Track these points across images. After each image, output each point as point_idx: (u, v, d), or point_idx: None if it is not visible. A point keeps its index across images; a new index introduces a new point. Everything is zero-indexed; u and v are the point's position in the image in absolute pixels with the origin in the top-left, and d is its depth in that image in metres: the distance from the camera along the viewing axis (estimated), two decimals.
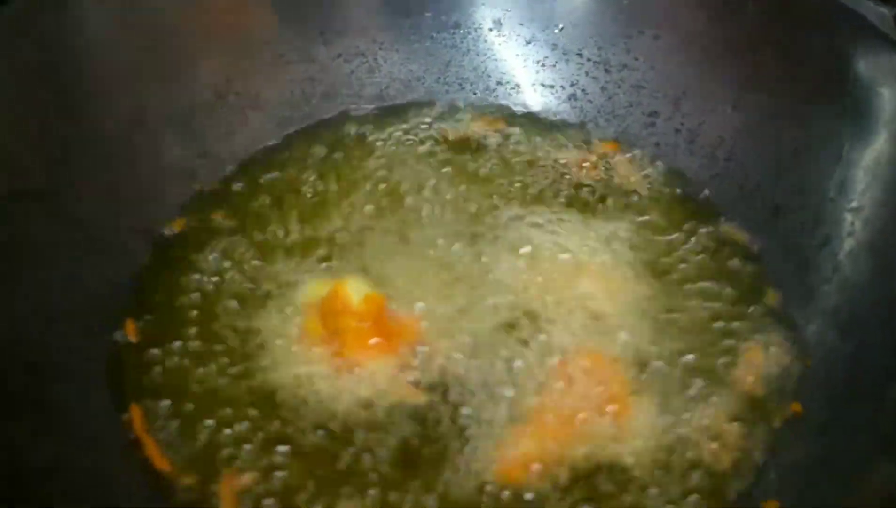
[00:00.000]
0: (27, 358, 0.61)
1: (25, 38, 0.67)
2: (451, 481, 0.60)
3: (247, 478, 0.60)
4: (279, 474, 0.60)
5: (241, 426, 0.62)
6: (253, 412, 0.63)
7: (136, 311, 0.68)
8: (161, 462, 0.61)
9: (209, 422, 0.62)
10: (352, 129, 0.83)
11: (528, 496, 0.59)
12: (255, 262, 0.72)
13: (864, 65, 0.70)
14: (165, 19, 0.76)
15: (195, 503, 0.59)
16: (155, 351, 0.66)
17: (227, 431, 0.62)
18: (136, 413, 0.63)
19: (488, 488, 0.59)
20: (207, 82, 0.80)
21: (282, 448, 0.61)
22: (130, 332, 0.67)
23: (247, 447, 0.61)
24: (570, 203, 0.76)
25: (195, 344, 0.67)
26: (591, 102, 0.84)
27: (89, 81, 0.72)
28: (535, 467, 0.60)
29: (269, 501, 0.59)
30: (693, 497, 0.60)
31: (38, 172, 0.67)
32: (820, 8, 0.72)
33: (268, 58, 0.82)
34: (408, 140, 0.82)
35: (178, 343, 0.67)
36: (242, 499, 0.59)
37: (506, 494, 0.59)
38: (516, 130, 0.83)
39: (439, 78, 0.86)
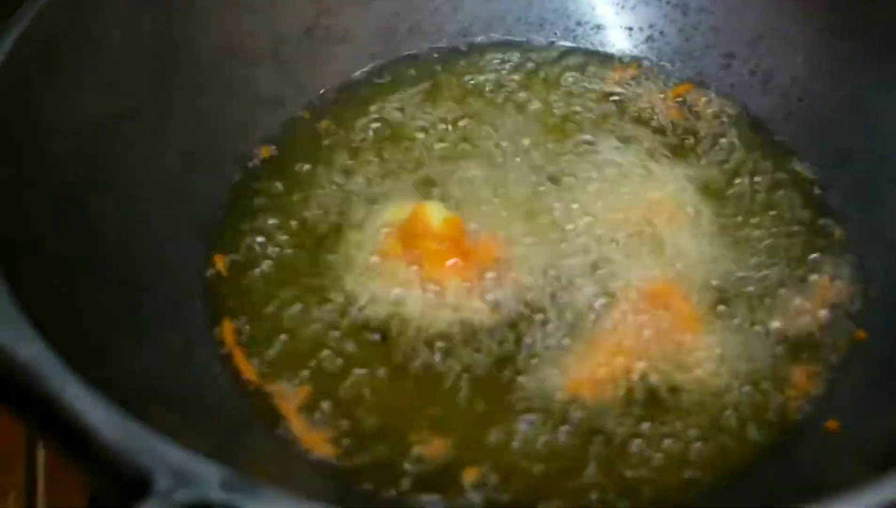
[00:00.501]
0: (125, 272, 0.64)
1: None
2: (521, 395, 0.63)
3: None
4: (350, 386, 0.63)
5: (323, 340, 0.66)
6: (334, 331, 0.66)
7: (227, 234, 0.72)
8: (249, 373, 0.64)
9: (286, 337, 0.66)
10: (436, 65, 0.85)
11: (594, 409, 0.62)
12: (337, 187, 0.75)
13: None
14: None
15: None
16: (245, 272, 0.70)
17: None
18: (227, 328, 0.66)
19: (557, 398, 0.62)
20: (297, 16, 0.82)
21: (358, 371, 0.64)
22: (219, 261, 0.70)
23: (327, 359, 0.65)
24: (646, 142, 0.78)
25: (283, 262, 0.70)
26: (668, 43, 0.85)
27: (189, 7, 0.75)
28: (601, 385, 0.63)
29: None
30: (753, 419, 0.62)
31: (142, 92, 0.71)
32: None
33: None
34: (488, 78, 0.84)
35: (265, 265, 0.70)
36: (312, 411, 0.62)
37: (573, 407, 0.62)
38: (593, 69, 0.85)
39: (520, 18, 0.88)
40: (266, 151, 0.78)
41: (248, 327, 0.66)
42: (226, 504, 0.41)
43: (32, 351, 0.45)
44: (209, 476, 0.42)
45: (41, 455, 0.70)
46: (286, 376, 0.64)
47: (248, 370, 0.64)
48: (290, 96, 0.81)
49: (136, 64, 0.71)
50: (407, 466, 0.59)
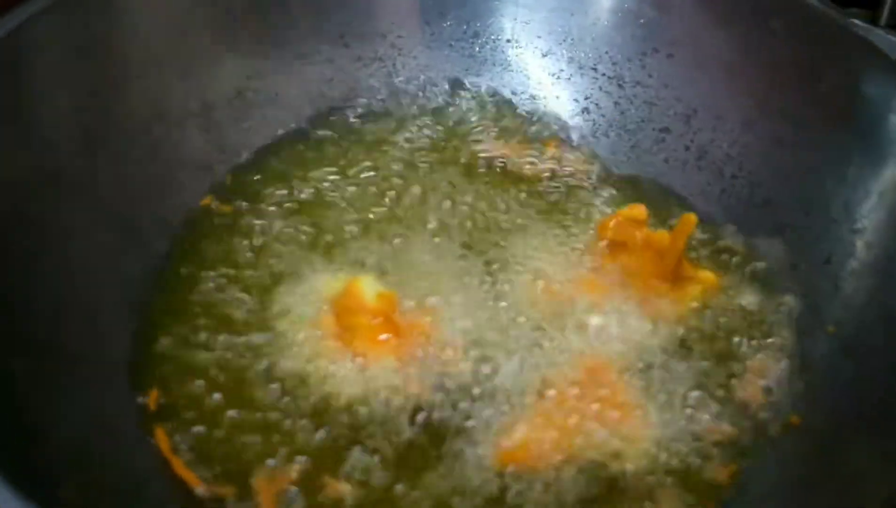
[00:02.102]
0: (48, 340, 0.62)
1: (70, 24, 0.69)
2: (452, 466, 0.62)
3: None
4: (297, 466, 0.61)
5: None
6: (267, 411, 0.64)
7: (154, 302, 0.70)
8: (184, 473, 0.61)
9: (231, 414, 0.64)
10: (367, 131, 0.84)
11: (519, 482, 0.61)
12: (269, 256, 0.73)
13: (875, 92, 0.71)
14: (191, 16, 0.78)
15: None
16: (169, 341, 0.67)
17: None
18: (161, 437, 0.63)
19: (485, 472, 0.61)
20: (228, 79, 0.81)
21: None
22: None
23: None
24: (571, 212, 0.78)
25: (209, 335, 0.68)
26: (603, 115, 0.85)
27: (119, 72, 0.73)
28: (532, 457, 0.62)
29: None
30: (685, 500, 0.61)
31: (69, 157, 0.69)
32: (833, 36, 0.74)
33: (288, 58, 0.83)
34: (421, 146, 0.83)
35: (195, 335, 0.68)
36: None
37: (500, 478, 0.61)
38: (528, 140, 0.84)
39: (455, 85, 0.87)
40: (194, 215, 0.76)
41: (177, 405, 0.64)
42: None
43: None
44: None
45: None
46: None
47: (188, 475, 0.61)
48: (218, 160, 0.79)
49: (63, 125, 0.69)
50: None
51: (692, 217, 0.71)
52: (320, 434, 0.62)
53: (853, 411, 0.63)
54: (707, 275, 0.73)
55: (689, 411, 0.66)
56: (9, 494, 0.44)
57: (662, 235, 0.73)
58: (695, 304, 0.72)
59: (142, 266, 0.71)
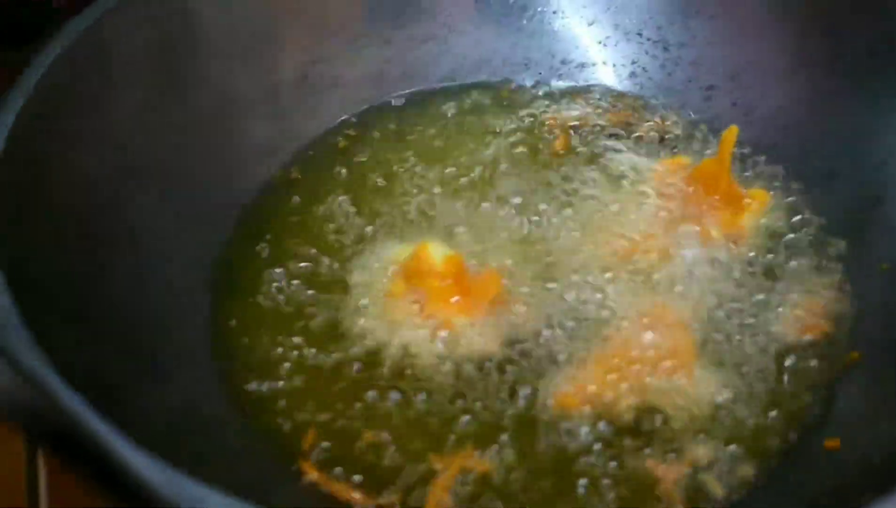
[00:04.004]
0: (136, 321, 0.66)
1: (140, 21, 0.73)
2: (514, 412, 0.65)
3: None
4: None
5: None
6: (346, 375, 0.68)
7: (232, 281, 0.74)
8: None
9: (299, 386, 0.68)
10: (427, 108, 0.88)
11: (579, 426, 0.64)
12: (337, 230, 0.77)
13: None
14: (253, 6, 0.82)
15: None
16: (253, 319, 0.71)
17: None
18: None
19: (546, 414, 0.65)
20: (291, 66, 0.85)
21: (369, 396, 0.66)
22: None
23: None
24: (633, 176, 0.81)
25: (288, 309, 0.72)
26: (651, 79, 0.88)
27: (188, 64, 0.77)
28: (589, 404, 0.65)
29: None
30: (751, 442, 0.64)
31: (144, 147, 0.73)
32: None
33: (346, 42, 0.87)
34: (477, 117, 0.87)
35: (273, 309, 0.72)
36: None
37: (561, 422, 0.64)
38: (580, 105, 0.87)
39: (506, 59, 0.91)
40: (263, 198, 0.80)
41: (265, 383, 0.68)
42: None
43: (74, 404, 0.47)
44: None
45: (42, 476, 0.70)
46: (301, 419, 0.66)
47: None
48: (285, 143, 0.83)
49: (138, 120, 0.73)
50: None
51: (734, 128, 0.74)
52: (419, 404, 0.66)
53: None
54: (759, 193, 0.76)
55: (750, 352, 0.68)
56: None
57: (707, 161, 0.77)
58: (755, 224, 0.75)
59: (215, 246, 0.76)
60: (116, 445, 0.45)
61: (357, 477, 0.62)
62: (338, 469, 0.63)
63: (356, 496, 0.61)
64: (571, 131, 0.84)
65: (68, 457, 0.46)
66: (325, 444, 0.64)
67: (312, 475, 0.62)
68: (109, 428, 0.46)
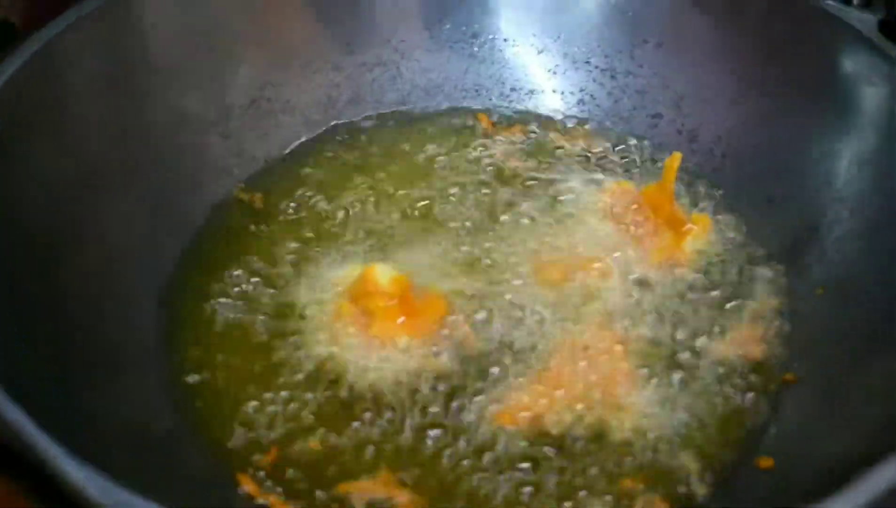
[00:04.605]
0: (91, 331, 0.67)
1: (97, 39, 0.74)
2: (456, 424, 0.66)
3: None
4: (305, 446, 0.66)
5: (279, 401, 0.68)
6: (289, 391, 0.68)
7: (185, 296, 0.75)
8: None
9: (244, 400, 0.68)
10: (373, 134, 0.89)
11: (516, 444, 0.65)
12: (286, 251, 0.78)
13: (850, 67, 0.76)
14: (207, 29, 0.83)
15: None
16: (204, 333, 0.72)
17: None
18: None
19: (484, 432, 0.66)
20: (243, 88, 0.86)
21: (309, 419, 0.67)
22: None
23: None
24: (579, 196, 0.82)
25: (236, 326, 0.73)
26: (598, 106, 0.90)
27: (144, 82, 0.79)
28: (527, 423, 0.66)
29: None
30: (688, 458, 0.65)
31: (102, 162, 0.74)
32: (809, 16, 0.79)
33: (297, 66, 0.88)
34: (427, 144, 0.88)
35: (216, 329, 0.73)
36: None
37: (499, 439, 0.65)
38: (527, 131, 0.89)
39: (457, 85, 0.92)
40: (214, 218, 0.81)
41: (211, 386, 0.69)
42: None
43: (15, 416, 0.47)
44: None
45: None
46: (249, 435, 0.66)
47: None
48: (237, 163, 0.85)
49: (93, 137, 0.74)
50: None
51: (677, 154, 0.77)
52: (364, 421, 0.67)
53: (843, 361, 0.67)
54: (701, 218, 0.78)
55: (690, 374, 0.70)
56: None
57: (651, 186, 0.79)
58: (696, 248, 0.77)
59: (168, 262, 0.76)
60: (51, 454, 0.45)
61: (294, 489, 0.63)
62: (269, 483, 0.63)
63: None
64: (518, 157, 0.86)
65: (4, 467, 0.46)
66: (267, 459, 0.65)
67: (249, 487, 0.63)
68: (46, 437, 0.46)
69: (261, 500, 0.62)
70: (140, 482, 0.46)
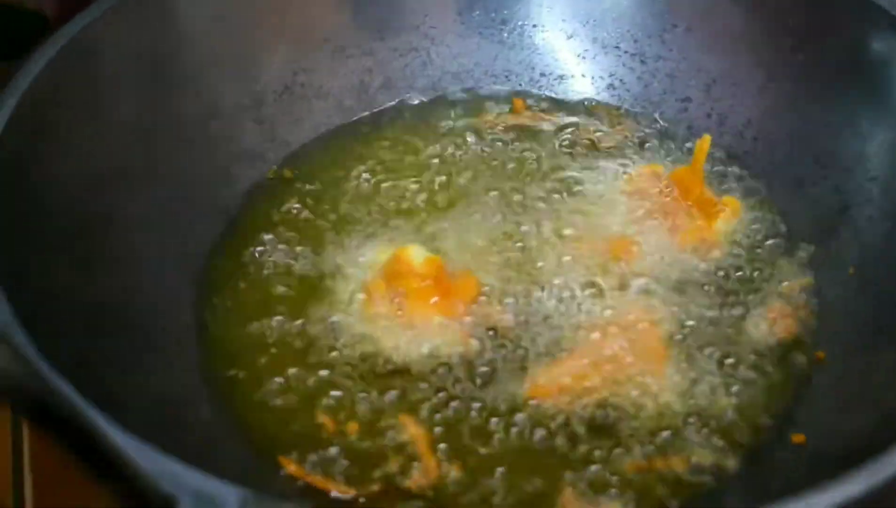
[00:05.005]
0: (126, 315, 0.68)
1: (128, 29, 0.75)
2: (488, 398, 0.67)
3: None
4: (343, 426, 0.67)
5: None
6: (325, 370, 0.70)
7: (218, 280, 0.76)
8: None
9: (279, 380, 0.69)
10: (407, 118, 0.90)
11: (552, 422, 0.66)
12: (322, 231, 0.79)
13: (879, 47, 0.76)
14: (240, 17, 0.84)
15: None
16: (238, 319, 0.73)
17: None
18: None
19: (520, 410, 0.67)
20: (276, 75, 0.87)
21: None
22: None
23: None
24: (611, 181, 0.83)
25: (271, 307, 0.74)
26: (628, 90, 0.90)
27: (176, 71, 0.80)
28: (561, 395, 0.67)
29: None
30: (720, 434, 0.66)
31: (135, 151, 0.75)
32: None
33: (329, 52, 0.89)
34: (458, 128, 0.89)
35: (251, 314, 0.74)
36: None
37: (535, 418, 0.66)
38: (561, 116, 0.90)
39: (487, 70, 0.93)
40: (249, 204, 0.82)
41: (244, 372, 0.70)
42: None
43: (66, 388, 0.49)
44: (228, 497, 0.45)
45: (27, 456, 0.72)
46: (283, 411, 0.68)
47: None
48: (268, 150, 0.85)
49: (127, 126, 0.75)
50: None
51: (707, 137, 0.77)
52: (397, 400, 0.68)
53: (873, 340, 0.68)
54: (731, 200, 0.79)
55: (719, 355, 0.70)
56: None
57: (681, 169, 0.79)
58: (726, 230, 0.78)
59: (204, 247, 0.78)
60: (102, 424, 0.47)
61: (336, 468, 0.64)
62: (314, 459, 0.64)
63: (338, 487, 0.63)
64: (549, 142, 0.86)
65: (54, 432, 0.47)
66: (307, 436, 0.66)
67: (291, 468, 0.64)
68: (95, 408, 0.47)
69: (303, 481, 0.63)
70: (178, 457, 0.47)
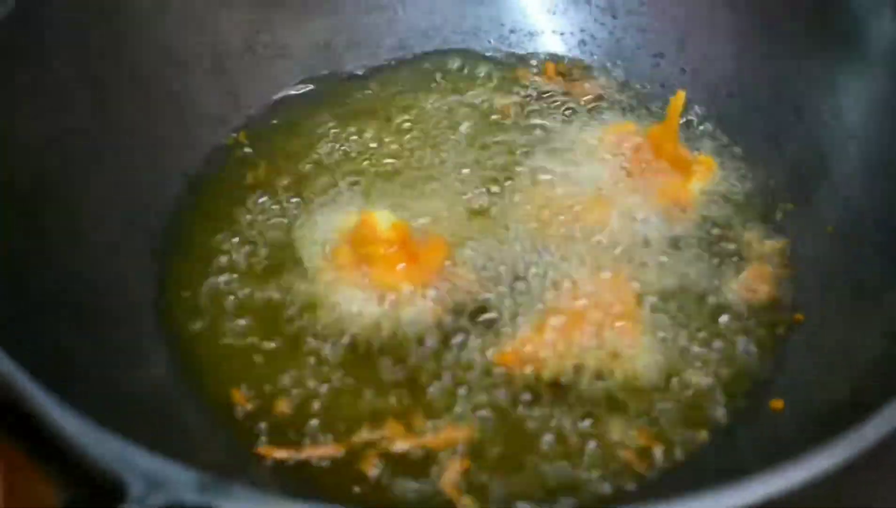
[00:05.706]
0: (78, 284, 0.65)
1: None
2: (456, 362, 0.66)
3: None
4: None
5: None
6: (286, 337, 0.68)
7: (177, 250, 0.74)
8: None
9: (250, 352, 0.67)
10: (372, 79, 0.87)
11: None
12: (285, 197, 0.77)
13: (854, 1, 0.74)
14: None
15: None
16: (199, 287, 0.71)
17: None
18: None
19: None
20: (237, 32, 0.84)
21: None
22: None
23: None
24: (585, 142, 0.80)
25: (235, 275, 0.72)
26: (599, 46, 0.88)
27: (129, 21, 0.77)
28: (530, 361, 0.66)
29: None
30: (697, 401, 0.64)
31: (84, 110, 0.72)
32: None
33: (293, 8, 0.86)
34: (426, 87, 0.86)
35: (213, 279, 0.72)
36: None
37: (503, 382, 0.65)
38: (528, 73, 0.87)
39: (455, 28, 0.90)
40: (210, 164, 0.80)
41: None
42: (200, 506, 0.42)
43: (5, 366, 0.46)
44: (181, 479, 0.43)
45: None
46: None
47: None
48: (230, 112, 0.83)
49: (80, 82, 0.72)
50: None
51: (682, 94, 0.75)
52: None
53: (852, 299, 0.67)
54: (706, 159, 0.77)
55: (695, 319, 0.69)
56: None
57: (656, 127, 0.77)
58: (701, 189, 0.76)
59: (163, 213, 0.75)
60: (47, 407, 0.44)
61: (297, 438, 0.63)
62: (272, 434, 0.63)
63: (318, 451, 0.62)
64: (519, 100, 0.84)
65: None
66: (282, 409, 0.64)
67: (273, 453, 0.62)
68: (42, 393, 0.45)
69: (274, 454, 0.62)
70: (135, 432, 0.45)
